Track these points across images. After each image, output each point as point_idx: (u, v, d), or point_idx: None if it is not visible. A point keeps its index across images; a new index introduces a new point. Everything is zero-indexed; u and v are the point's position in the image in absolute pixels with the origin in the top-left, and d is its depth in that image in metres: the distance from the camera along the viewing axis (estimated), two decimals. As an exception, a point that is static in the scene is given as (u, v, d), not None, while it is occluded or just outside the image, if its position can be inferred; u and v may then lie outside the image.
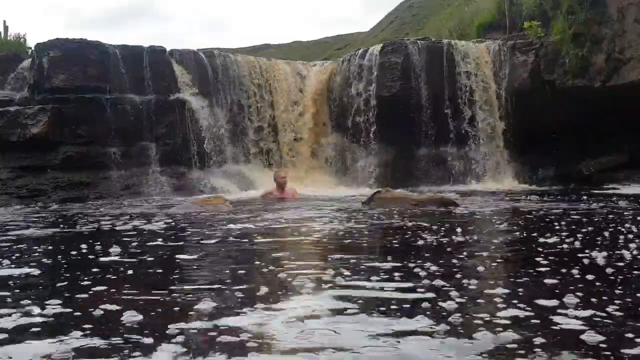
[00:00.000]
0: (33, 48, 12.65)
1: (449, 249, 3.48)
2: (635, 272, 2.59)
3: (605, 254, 3.04)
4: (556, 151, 12.34)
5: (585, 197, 8.13)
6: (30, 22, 64.01)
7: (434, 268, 2.76)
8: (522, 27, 13.18)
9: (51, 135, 11.49)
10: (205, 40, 69.46)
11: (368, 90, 13.25)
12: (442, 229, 4.54)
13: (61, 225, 5.86)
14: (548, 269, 2.67)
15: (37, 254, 3.68)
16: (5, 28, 14.79)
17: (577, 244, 3.51)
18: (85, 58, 11.90)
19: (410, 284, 2.43)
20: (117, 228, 5.26)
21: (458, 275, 2.58)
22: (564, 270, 2.59)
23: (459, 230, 4.25)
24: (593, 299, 2.05)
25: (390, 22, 24.61)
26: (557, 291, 2.19)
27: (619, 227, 4.30)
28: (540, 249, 3.36)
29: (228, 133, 13.15)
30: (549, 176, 12.55)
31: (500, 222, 5.20)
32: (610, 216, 5.25)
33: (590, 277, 2.43)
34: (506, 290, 2.22)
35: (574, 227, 4.40)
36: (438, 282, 2.41)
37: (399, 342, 1.67)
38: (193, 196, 10.31)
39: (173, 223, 5.65)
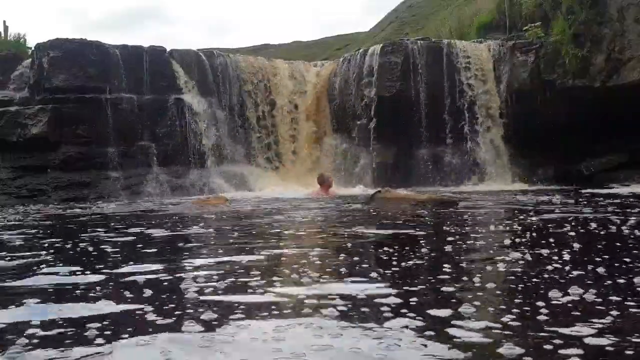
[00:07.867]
0: (33, 48, 12.67)
1: (382, 255, 3.27)
2: (535, 279, 2.44)
3: (520, 256, 2.84)
4: (556, 151, 12.32)
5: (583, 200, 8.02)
6: (37, 24, 64.15)
7: (315, 274, 2.56)
8: (522, 27, 13.18)
9: (51, 135, 11.53)
10: (208, 41, 69.67)
11: (368, 90, 13.25)
12: (403, 235, 4.35)
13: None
14: (447, 277, 2.49)
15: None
16: (5, 28, 14.81)
17: (512, 246, 3.26)
18: (85, 58, 11.94)
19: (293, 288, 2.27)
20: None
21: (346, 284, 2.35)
22: (465, 278, 2.45)
23: (415, 233, 4.06)
24: (490, 308, 1.91)
25: (390, 22, 24.60)
26: (453, 300, 2.03)
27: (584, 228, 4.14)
28: (471, 252, 3.22)
29: (227, 133, 13.17)
30: (549, 176, 12.54)
31: (485, 224, 5.12)
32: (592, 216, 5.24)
33: (490, 285, 2.26)
34: (398, 300, 2.03)
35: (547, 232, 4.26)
36: (323, 288, 2.25)
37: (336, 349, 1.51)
38: (193, 196, 10.33)
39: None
